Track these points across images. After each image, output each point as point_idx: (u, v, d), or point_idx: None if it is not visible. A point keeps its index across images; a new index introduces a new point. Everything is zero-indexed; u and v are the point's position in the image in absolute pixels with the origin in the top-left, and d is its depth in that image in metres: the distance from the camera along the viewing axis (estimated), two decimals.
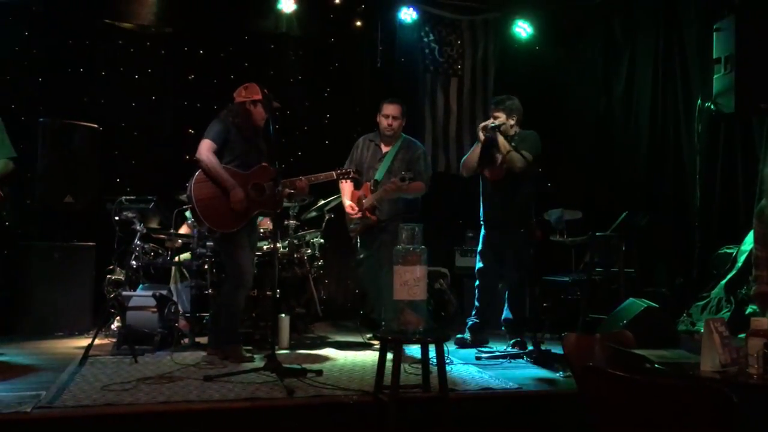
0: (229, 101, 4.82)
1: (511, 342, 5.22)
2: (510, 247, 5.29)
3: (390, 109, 5.38)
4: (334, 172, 4.99)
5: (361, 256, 5.54)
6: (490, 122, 5.20)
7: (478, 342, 5.31)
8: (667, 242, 6.34)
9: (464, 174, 5.47)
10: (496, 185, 5.32)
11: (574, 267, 6.27)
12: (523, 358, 4.82)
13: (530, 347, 4.94)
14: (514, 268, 5.29)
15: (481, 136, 5.20)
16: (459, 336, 5.41)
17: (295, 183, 4.79)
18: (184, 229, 5.74)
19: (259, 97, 4.65)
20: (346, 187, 5.44)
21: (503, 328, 5.43)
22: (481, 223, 5.51)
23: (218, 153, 4.61)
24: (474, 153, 5.31)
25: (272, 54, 7.12)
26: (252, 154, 4.73)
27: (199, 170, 4.58)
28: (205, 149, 4.56)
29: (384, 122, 5.39)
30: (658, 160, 6.55)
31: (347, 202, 5.41)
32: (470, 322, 5.47)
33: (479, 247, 5.52)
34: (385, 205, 5.30)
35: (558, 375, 4.34)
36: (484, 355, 4.91)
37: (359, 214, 5.28)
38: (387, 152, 5.41)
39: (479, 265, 5.48)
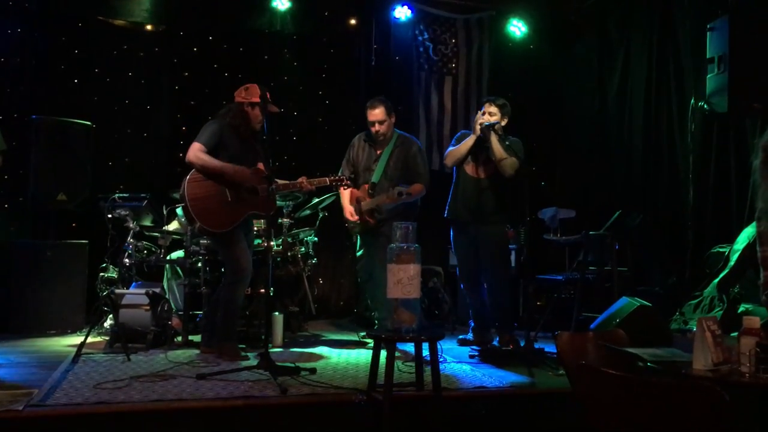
0: (223, 99, 4.80)
1: (497, 339, 5.22)
2: (484, 244, 5.23)
3: (373, 114, 5.26)
4: (327, 179, 4.95)
5: (359, 253, 5.52)
6: (486, 119, 5.15)
7: (482, 342, 5.27)
8: (661, 241, 6.35)
9: (448, 164, 5.36)
10: (477, 181, 5.25)
11: (568, 266, 6.28)
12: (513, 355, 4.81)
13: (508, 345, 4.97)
14: (492, 264, 5.24)
15: (478, 130, 5.15)
16: (461, 337, 5.42)
17: (302, 184, 4.79)
18: (174, 225, 5.72)
19: (257, 99, 4.61)
20: (345, 191, 5.37)
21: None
22: (446, 216, 5.41)
23: (212, 154, 4.57)
24: (465, 145, 5.17)
25: (266, 52, 7.09)
26: (248, 156, 4.69)
27: (193, 169, 4.56)
28: (193, 152, 4.52)
29: (372, 129, 5.31)
30: (652, 159, 6.56)
31: (348, 208, 5.35)
32: (472, 324, 5.46)
33: (453, 248, 5.47)
34: (384, 207, 5.26)
35: (550, 374, 4.34)
36: (477, 353, 4.91)
37: (358, 220, 5.26)
38: (381, 153, 5.36)
39: (458, 267, 5.45)
